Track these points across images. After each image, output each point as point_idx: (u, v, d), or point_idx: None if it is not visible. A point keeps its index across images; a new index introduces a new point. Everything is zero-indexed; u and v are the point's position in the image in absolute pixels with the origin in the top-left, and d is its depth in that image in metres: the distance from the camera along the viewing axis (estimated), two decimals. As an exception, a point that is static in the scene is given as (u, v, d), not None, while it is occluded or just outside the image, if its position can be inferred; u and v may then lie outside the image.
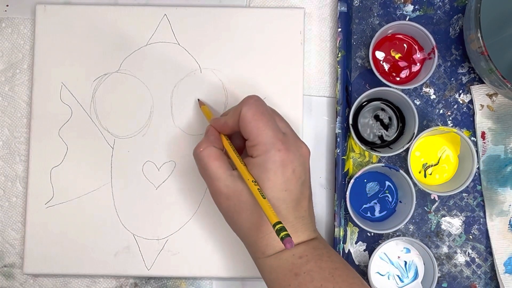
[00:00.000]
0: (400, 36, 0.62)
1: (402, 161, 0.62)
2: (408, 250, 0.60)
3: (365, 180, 0.62)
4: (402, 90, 0.60)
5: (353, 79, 0.63)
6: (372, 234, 0.62)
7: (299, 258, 0.50)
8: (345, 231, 0.61)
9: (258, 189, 0.50)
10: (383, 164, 0.59)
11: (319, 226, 0.62)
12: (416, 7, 0.63)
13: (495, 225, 0.61)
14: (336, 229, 0.59)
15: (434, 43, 0.59)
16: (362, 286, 0.50)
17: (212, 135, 0.55)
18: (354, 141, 0.60)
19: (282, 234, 0.46)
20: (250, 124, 0.51)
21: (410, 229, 0.62)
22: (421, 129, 0.60)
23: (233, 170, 0.52)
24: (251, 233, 0.52)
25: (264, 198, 0.49)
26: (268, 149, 0.50)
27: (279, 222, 0.46)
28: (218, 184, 0.52)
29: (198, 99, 0.61)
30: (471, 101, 0.63)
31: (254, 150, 0.51)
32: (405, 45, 0.62)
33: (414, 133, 0.58)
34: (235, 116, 0.52)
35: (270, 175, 0.50)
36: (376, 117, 0.62)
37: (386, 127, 0.62)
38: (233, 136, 0.56)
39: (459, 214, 0.62)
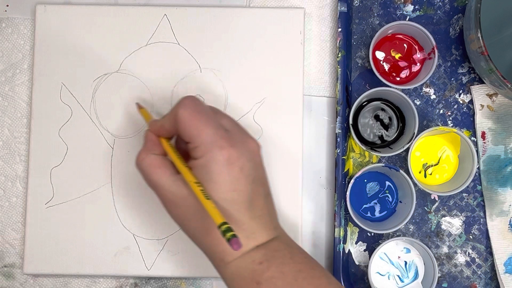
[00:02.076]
0: (400, 36, 0.62)
1: (402, 161, 0.62)
2: (408, 250, 0.60)
3: (365, 180, 0.62)
4: (402, 90, 0.60)
5: (353, 79, 0.63)
6: (372, 234, 0.62)
7: (259, 264, 0.47)
8: (345, 231, 0.61)
9: (201, 190, 0.46)
10: (383, 164, 0.59)
11: (319, 226, 0.62)
12: (416, 7, 0.63)
13: (495, 225, 0.61)
14: (336, 229, 0.59)
15: (434, 43, 0.59)
16: (328, 285, 0.47)
17: (150, 141, 0.52)
18: (354, 141, 0.60)
19: (228, 235, 0.43)
20: (188, 124, 0.48)
21: (410, 229, 0.62)
22: (421, 129, 0.60)
23: (177, 175, 0.49)
24: (205, 239, 0.49)
25: (208, 199, 0.46)
26: (209, 149, 0.47)
27: (225, 223, 0.44)
28: (164, 193, 0.49)
29: (136, 103, 0.59)
30: (471, 101, 0.63)
31: (196, 151, 0.48)
32: (405, 45, 0.62)
33: (414, 133, 0.58)
34: (172, 119, 0.49)
35: (214, 176, 0.47)
36: (376, 117, 0.62)
37: (386, 127, 0.62)
38: (178, 139, 0.54)
39: (459, 214, 0.62)
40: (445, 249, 0.62)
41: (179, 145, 0.53)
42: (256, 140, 0.51)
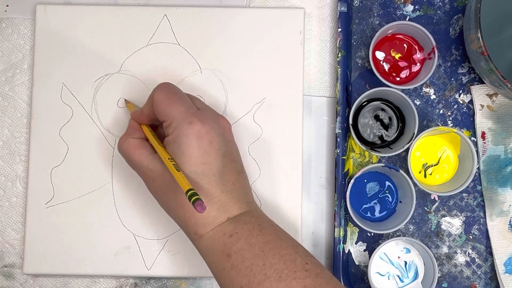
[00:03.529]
0: (400, 36, 0.62)
1: (402, 161, 0.62)
2: (408, 250, 0.60)
3: (365, 180, 0.62)
4: (402, 90, 0.60)
5: (353, 79, 0.63)
6: (372, 234, 0.62)
7: (230, 236, 0.49)
8: (345, 231, 0.61)
9: (173, 164, 0.49)
10: (383, 164, 0.59)
11: (319, 226, 0.62)
12: (416, 7, 0.63)
13: (495, 225, 0.61)
14: (336, 229, 0.59)
15: (434, 43, 0.59)
16: (295, 254, 0.48)
17: (130, 128, 0.56)
18: (354, 141, 0.60)
19: (193, 198, 0.45)
20: (163, 103, 0.51)
21: (410, 229, 0.62)
22: (421, 129, 0.60)
23: (155, 154, 0.52)
24: (179, 212, 0.51)
25: (179, 171, 0.48)
26: (180, 124, 0.50)
27: (191, 189, 0.46)
28: (143, 170, 0.53)
29: (125, 99, 0.61)
30: (471, 101, 0.63)
31: (169, 128, 0.51)
32: (405, 45, 0.62)
33: (414, 133, 0.58)
34: (149, 102, 0.53)
35: (185, 149, 0.49)
36: (376, 117, 0.62)
37: (386, 127, 0.62)
38: (159, 127, 0.57)
39: (459, 214, 0.62)
40: (445, 249, 0.62)
41: (159, 132, 0.56)
42: (227, 120, 0.54)
